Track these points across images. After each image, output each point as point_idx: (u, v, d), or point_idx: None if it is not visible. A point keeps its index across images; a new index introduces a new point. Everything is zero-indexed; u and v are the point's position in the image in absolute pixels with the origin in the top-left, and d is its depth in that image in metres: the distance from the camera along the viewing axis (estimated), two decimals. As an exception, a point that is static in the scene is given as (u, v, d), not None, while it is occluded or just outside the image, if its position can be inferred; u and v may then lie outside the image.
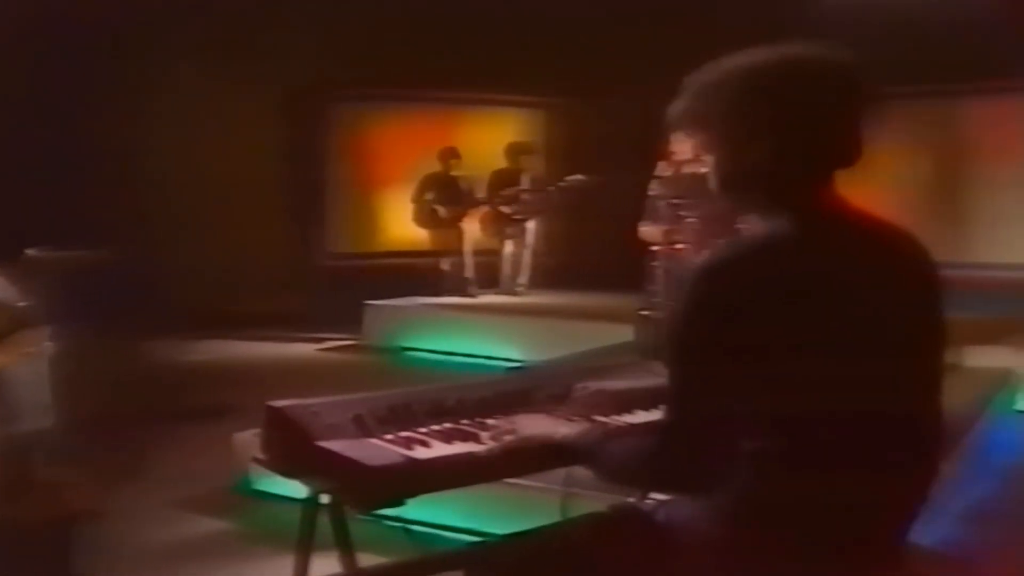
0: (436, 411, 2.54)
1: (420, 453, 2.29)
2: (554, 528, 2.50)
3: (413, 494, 2.20)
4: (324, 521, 2.52)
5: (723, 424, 2.02)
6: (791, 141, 2.04)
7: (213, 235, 10.82)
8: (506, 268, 11.12)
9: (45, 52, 9.31)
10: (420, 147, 11.80)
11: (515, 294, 10.97)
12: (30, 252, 5.62)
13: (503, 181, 11.12)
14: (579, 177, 10.27)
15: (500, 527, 3.96)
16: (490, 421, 2.51)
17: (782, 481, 1.99)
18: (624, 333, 7.52)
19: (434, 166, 11.27)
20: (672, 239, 6.61)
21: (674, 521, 2.23)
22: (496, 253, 11.17)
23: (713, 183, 2.17)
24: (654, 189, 6.90)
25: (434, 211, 11.12)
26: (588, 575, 2.27)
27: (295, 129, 12.29)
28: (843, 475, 1.99)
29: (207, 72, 10.73)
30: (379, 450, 2.29)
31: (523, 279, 11.09)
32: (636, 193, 7.43)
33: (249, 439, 5.47)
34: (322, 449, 2.25)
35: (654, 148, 7.47)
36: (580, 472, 2.52)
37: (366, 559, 2.71)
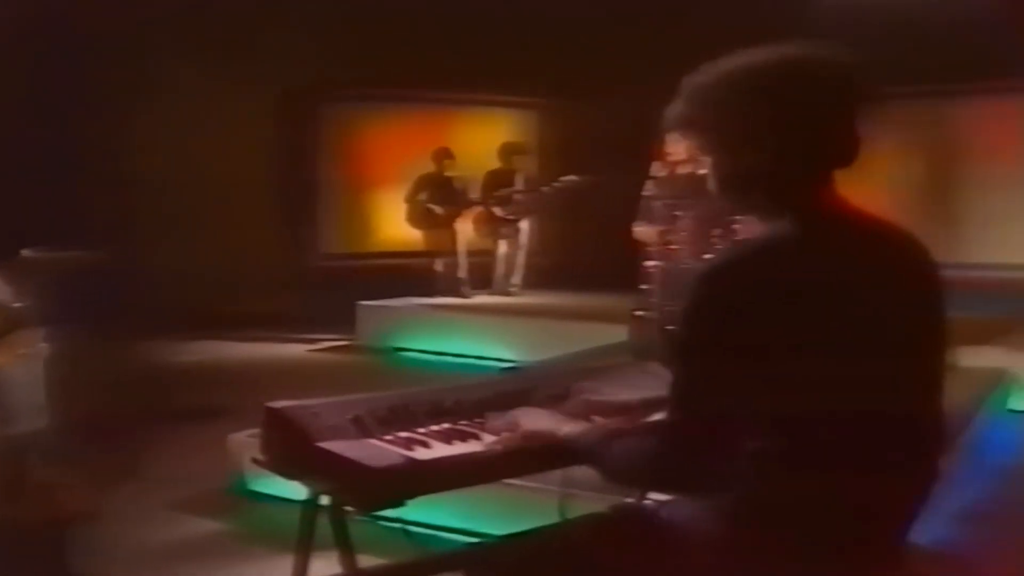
0: (435, 412, 2.54)
1: (420, 454, 2.29)
2: (554, 528, 2.50)
3: (414, 495, 2.20)
4: (322, 522, 2.52)
5: (725, 425, 2.02)
6: (790, 141, 2.04)
7: (207, 235, 10.80)
8: (500, 268, 11.13)
9: (41, 53, 9.30)
10: (414, 147, 11.80)
11: (508, 294, 10.98)
12: (25, 253, 5.60)
13: (497, 181, 11.13)
14: (572, 177, 10.30)
15: (498, 528, 3.97)
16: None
17: (783, 481, 1.99)
18: (617, 333, 7.52)
19: (428, 166, 11.27)
20: (667, 239, 6.61)
21: (674, 521, 2.23)
22: (490, 253, 11.18)
23: (712, 184, 2.17)
24: (649, 189, 6.91)
25: (428, 211, 11.12)
26: (588, 575, 2.26)
27: (289, 129, 12.28)
28: (844, 475, 1.99)
29: (201, 73, 10.72)
30: (379, 451, 2.28)
31: (516, 279, 11.10)
32: (630, 193, 7.43)
33: (244, 440, 5.47)
34: (322, 450, 2.25)
35: (648, 148, 7.47)
36: (578, 472, 2.52)
37: (365, 560, 2.71)
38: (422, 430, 2.44)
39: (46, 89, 9.28)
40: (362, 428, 2.38)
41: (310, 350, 10.14)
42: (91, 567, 4.25)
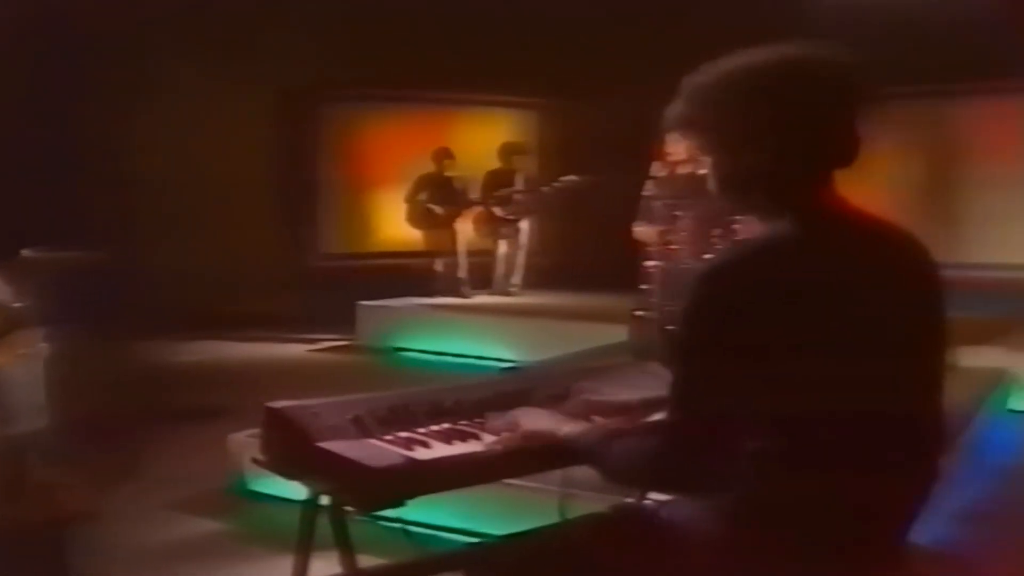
0: (435, 412, 2.54)
1: (420, 454, 2.29)
2: (554, 529, 2.50)
3: (414, 495, 2.20)
4: (321, 522, 2.52)
5: (725, 425, 2.02)
6: (790, 141, 2.04)
7: (207, 235, 10.80)
8: (499, 268, 11.13)
9: (41, 53, 9.30)
10: (413, 148, 11.79)
11: (508, 294, 10.98)
12: (25, 253, 5.61)
13: (497, 181, 11.13)
14: (572, 177, 10.30)
15: (498, 528, 3.97)
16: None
17: (783, 481, 2.00)
18: (617, 333, 7.52)
19: (428, 166, 11.27)
20: (667, 239, 6.61)
21: (674, 521, 2.24)
22: (490, 253, 11.18)
23: (712, 184, 2.17)
24: (649, 189, 6.90)
25: (428, 211, 11.12)
26: (588, 575, 2.26)
27: (289, 129, 12.28)
28: (844, 475, 1.99)
29: (201, 73, 10.72)
30: (380, 451, 2.28)
31: (516, 279, 11.11)
32: (629, 193, 7.43)
33: (244, 440, 5.47)
34: (323, 450, 2.25)
35: (648, 149, 7.47)
36: (578, 472, 2.52)
37: (364, 560, 2.71)
38: (422, 430, 2.44)
39: (45, 89, 9.28)
40: (362, 428, 2.38)
41: (310, 350, 10.14)
42: (91, 567, 4.25)
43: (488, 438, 2.42)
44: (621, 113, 11.27)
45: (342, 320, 10.20)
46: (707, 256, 6.13)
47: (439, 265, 11.01)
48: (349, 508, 2.36)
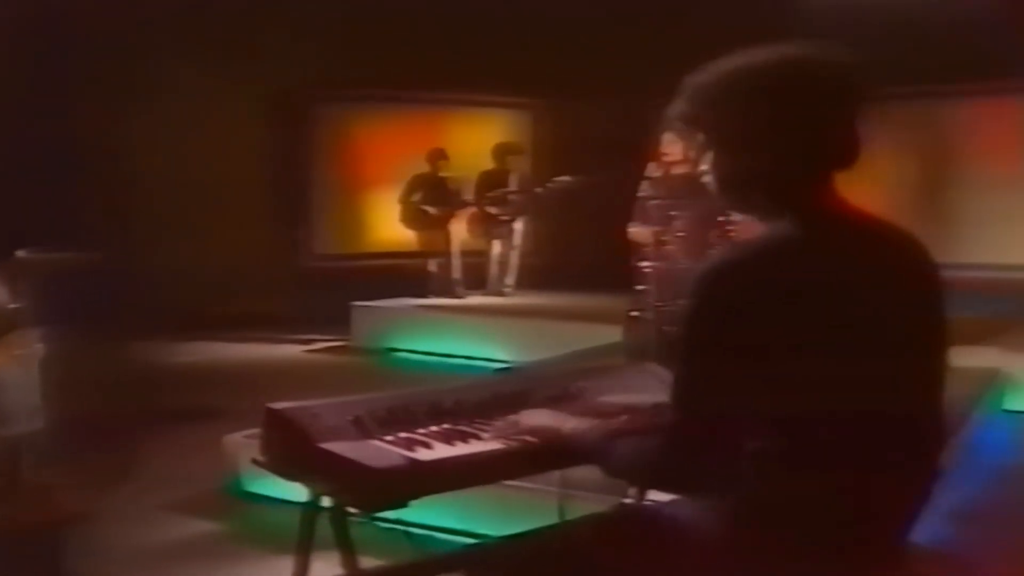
0: (434, 413, 2.54)
1: (423, 455, 2.29)
2: (554, 529, 2.50)
3: (416, 496, 2.20)
4: (319, 523, 2.52)
5: (726, 425, 2.02)
6: (790, 142, 2.04)
7: (200, 236, 10.79)
8: (493, 269, 11.14)
9: (36, 54, 9.29)
10: (407, 148, 11.79)
11: (502, 295, 10.99)
12: (20, 254, 5.59)
13: (491, 182, 11.14)
14: (566, 178, 10.29)
15: (497, 528, 3.97)
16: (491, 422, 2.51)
17: (783, 481, 2.00)
18: (611, 334, 7.52)
19: (422, 167, 11.26)
20: (662, 240, 6.61)
21: (675, 521, 2.24)
22: (484, 254, 11.19)
23: (713, 184, 2.17)
24: (644, 190, 6.90)
25: (422, 212, 11.12)
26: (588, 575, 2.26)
27: (283, 130, 12.26)
28: (844, 475, 1.99)
29: (195, 74, 10.70)
30: (382, 452, 2.28)
31: (510, 280, 11.11)
32: (624, 194, 7.43)
33: (240, 441, 5.47)
34: (325, 451, 2.25)
35: (641, 149, 7.47)
36: (576, 473, 2.52)
37: (363, 561, 2.70)
38: (422, 431, 2.44)
39: (41, 90, 9.27)
40: (362, 429, 2.38)
41: (305, 351, 10.13)
42: (86, 568, 4.25)
43: (489, 439, 2.42)
44: (615, 114, 11.30)
45: (336, 321, 10.20)
46: (703, 257, 6.17)
47: (433, 266, 11.01)
48: (351, 509, 2.35)
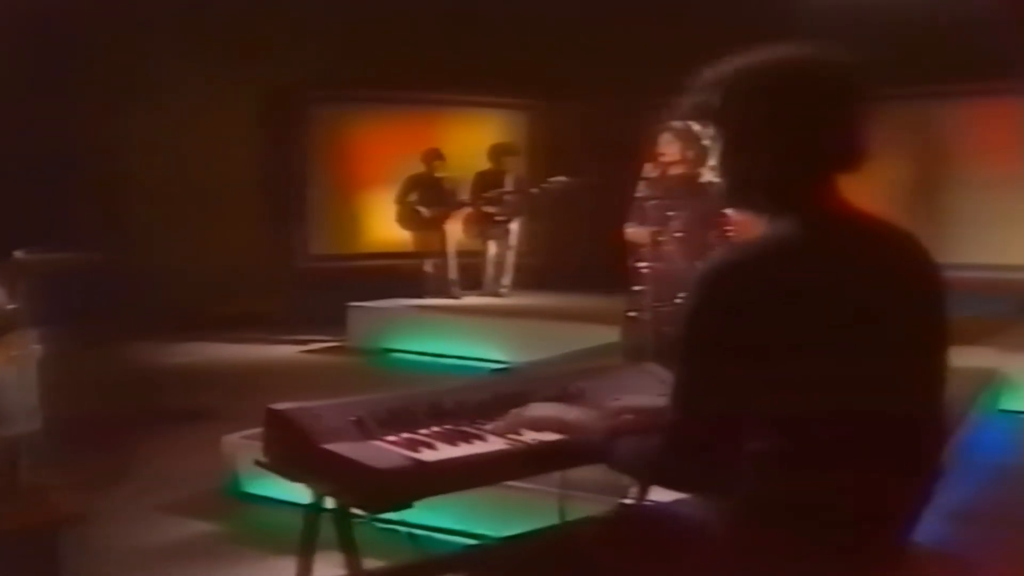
0: (435, 413, 2.54)
1: (427, 455, 2.29)
2: (555, 530, 2.50)
3: (421, 496, 2.20)
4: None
5: (727, 425, 2.02)
6: (791, 142, 2.05)
7: (197, 237, 10.77)
8: (489, 269, 11.12)
9: (33, 54, 9.28)
10: (403, 148, 11.77)
11: (498, 295, 10.98)
12: (17, 254, 5.59)
13: (486, 182, 11.13)
14: (562, 178, 10.29)
15: (496, 529, 3.98)
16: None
17: (785, 482, 2.00)
18: (607, 334, 7.53)
19: (418, 167, 11.25)
20: (659, 240, 6.61)
21: (676, 522, 2.24)
22: (479, 254, 11.17)
23: (719, 180, 2.17)
24: (641, 190, 6.90)
25: (417, 212, 11.11)
26: (590, 576, 2.27)
27: (278, 130, 12.24)
28: (846, 475, 1.99)
29: (190, 74, 10.68)
30: (386, 453, 2.28)
31: (506, 280, 11.10)
32: (619, 194, 7.43)
33: (238, 441, 5.47)
34: (328, 452, 2.25)
35: (637, 149, 7.47)
36: (577, 474, 2.53)
37: (363, 562, 2.70)
38: (424, 431, 2.44)
39: (39, 90, 9.26)
40: (364, 430, 2.38)
41: (301, 351, 10.12)
42: (84, 569, 4.23)
43: (492, 439, 2.42)
44: (611, 114, 11.29)
45: (332, 321, 10.19)
46: (700, 257, 6.17)
47: (429, 266, 11.01)
48: (355, 510, 2.35)
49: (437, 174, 11.18)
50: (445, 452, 2.33)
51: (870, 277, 2.03)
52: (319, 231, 12.72)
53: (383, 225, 11.92)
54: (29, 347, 5.40)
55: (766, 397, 1.97)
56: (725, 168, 2.15)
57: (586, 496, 2.93)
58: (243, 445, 5.39)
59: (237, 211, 11.51)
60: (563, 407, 2.50)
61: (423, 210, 11.06)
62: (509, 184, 11.08)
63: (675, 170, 6.69)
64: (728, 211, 6.16)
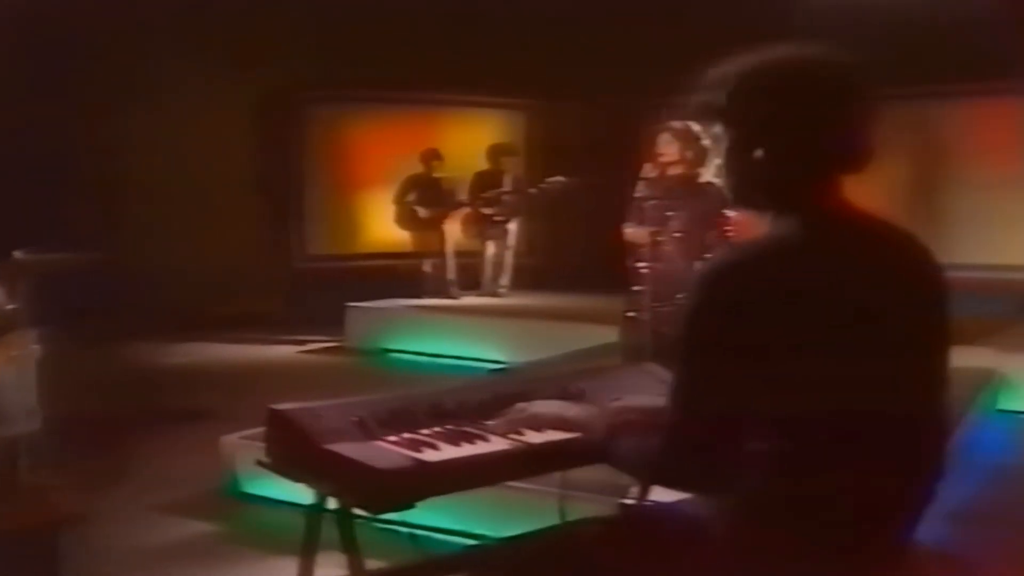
0: (436, 414, 2.54)
1: (429, 455, 2.29)
2: (556, 531, 2.50)
3: (424, 497, 2.20)
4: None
5: (727, 425, 2.02)
6: (796, 142, 2.05)
7: (195, 237, 10.77)
8: (487, 270, 11.12)
9: (31, 55, 9.28)
10: (401, 149, 11.77)
11: (497, 295, 10.98)
12: (17, 255, 5.59)
13: (485, 183, 11.13)
14: (560, 178, 10.29)
15: (496, 529, 3.98)
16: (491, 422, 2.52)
17: (786, 482, 2.00)
18: (605, 334, 7.53)
19: (416, 167, 11.25)
20: (658, 240, 6.61)
21: (677, 522, 2.24)
22: (478, 255, 11.17)
23: (723, 179, 2.18)
24: (640, 191, 6.90)
25: (416, 212, 11.11)
26: (591, 576, 2.27)
27: (276, 131, 12.25)
28: (847, 476, 1.99)
29: (188, 74, 10.67)
30: (388, 453, 2.28)
31: (504, 280, 11.10)
32: (617, 194, 7.43)
33: (236, 441, 5.47)
34: (331, 452, 2.25)
35: (635, 149, 7.47)
36: (577, 474, 2.53)
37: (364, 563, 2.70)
38: (425, 432, 2.44)
39: (36, 91, 9.26)
40: (366, 430, 2.38)
41: (300, 351, 10.11)
42: (83, 569, 4.23)
43: (494, 439, 2.42)
44: (609, 114, 11.30)
45: (330, 321, 10.18)
46: (699, 257, 6.18)
47: (427, 266, 11.00)
48: (358, 511, 2.35)
49: (435, 174, 11.18)
50: (447, 452, 2.33)
51: (871, 277, 2.03)
52: (317, 231, 12.72)
53: (381, 225, 11.92)
54: (28, 347, 5.41)
55: (766, 397, 1.97)
56: (729, 167, 2.15)
57: (586, 496, 2.93)
58: (242, 445, 5.39)
59: (235, 211, 11.51)
60: (564, 404, 2.51)
61: (421, 210, 11.06)
62: (507, 184, 11.08)
63: (674, 170, 6.69)
64: (728, 211, 6.22)
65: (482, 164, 11.35)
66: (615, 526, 2.37)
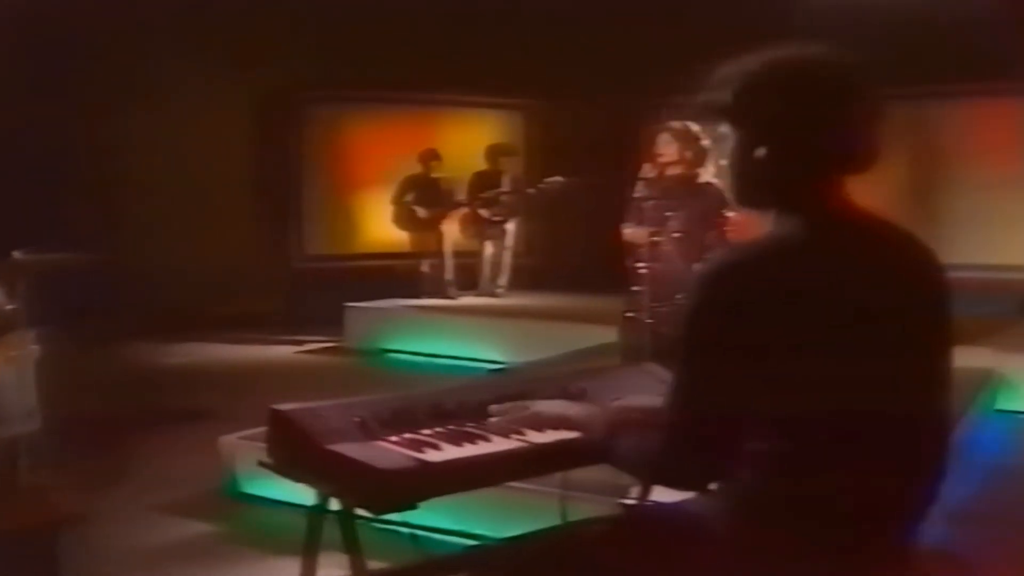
0: (438, 414, 2.54)
1: (432, 456, 2.29)
2: (558, 531, 2.50)
3: (426, 497, 2.20)
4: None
5: (728, 425, 2.03)
6: (801, 142, 2.05)
7: (193, 237, 10.77)
8: (486, 270, 11.13)
9: (30, 55, 9.27)
10: (400, 149, 11.77)
11: (495, 296, 10.99)
12: (15, 254, 5.59)
13: (483, 183, 11.12)
14: (558, 179, 10.29)
15: (497, 530, 3.98)
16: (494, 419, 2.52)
17: (787, 482, 2.00)
18: (603, 334, 7.54)
19: (414, 168, 11.25)
20: (657, 241, 6.61)
21: (679, 522, 2.24)
22: (476, 255, 11.18)
23: (728, 178, 2.18)
24: (639, 191, 6.90)
25: (414, 213, 11.11)
26: (593, 576, 2.27)
27: (275, 131, 12.25)
28: (848, 476, 1.99)
29: (186, 74, 10.67)
30: (391, 453, 2.28)
31: (503, 281, 11.11)
32: (616, 195, 7.43)
33: (235, 442, 5.47)
34: (333, 453, 2.25)
35: (634, 150, 7.47)
36: (578, 474, 2.53)
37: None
38: (427, 432, 2.44)
39: (35, 91, 9.25)
40: (367, 430, 2.38)
41: (298, 351, 10.12)
42: (83, 569, 4.23)
43: (496, 439, 2.42)
44: (608, 114, 11.29)
45: (328, 321, 10.19)
46: (698, 258, 6.18)
47: (425, 266, 11.00)
48: (360, 511, 2.35)
49: (434, 174, 11.18)
50: (449, 452, 2.33)
51: (872, 278, 2.03)
52: (316, 231, 12.72)
53: (380, 225, 11.92)
54: (27, 347, 5.41)
55: (767, 397, 1.98)
56: (734, 166, 2.15)
57: (587, 497, 2.94)
58: (241, 445, 5.39)
59: (234, 211, 11.52)
60: (566, 403, 2.51)
61: (420, 210, 11.06)
62: (506, 184, 11.08)
63: (673, 170, 6.69)
64: (727, 212, 6.23)
65: (480, 164, 11.35)
66: (616, 526, 2.37)
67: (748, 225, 2.19)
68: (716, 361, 2.00)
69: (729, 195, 2.23)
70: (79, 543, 4.20)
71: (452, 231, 11.03)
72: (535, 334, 8.92)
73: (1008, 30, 8.95)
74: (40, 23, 9.22)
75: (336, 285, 10.91)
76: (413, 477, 2.19)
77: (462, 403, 2.59)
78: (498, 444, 2.40)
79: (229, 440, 5.51)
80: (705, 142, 6.42)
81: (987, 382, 7.26)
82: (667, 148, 6.67)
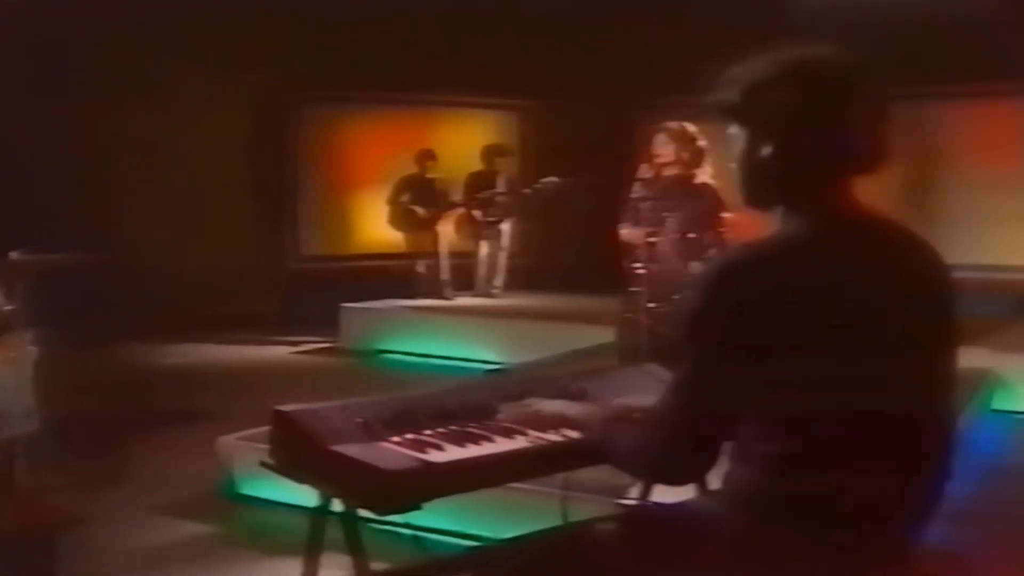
0: (439, 415, 2.54)
1: (435, 457, 2.29)
2: (559, 531, 2.51)
3: (430, 498, 2.20)
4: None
5: (731, 424, 2.03)
6: (809, 142, 2.05)
7: (189, 238, 10.76)
8: (481, 270, 11.14)
9: (27, 55, 9.26)
10: (395, 149, 11.76)
11: (491, 296, 10.99)
12: (13, 255, 5.58)
13: (479, 183, 11.11)
14: (554, 179, 10.29)
15: (497, 530, 3.97)
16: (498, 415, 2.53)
17: (789, 481, 2.01)
18: (600, 335, 7.53)
19: (410, 168, 11.23)
20: (654, 241, 6.61)
21: (680, 522, 2.25)
22: (471, 255, 11.18)
23: (736, 178, 2.18)
24: (636, 191, 6.90)
25: (409, 213, 11.10)
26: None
27: (270, 131, 12.23)
28: (850, 476, 2.00)
29: (183, 74, 10.66)
30: (394, 454, 2.29)
31: (498, 281, 11.11)
32: (611, 195, 7.43)
33: (233, 443, 5.46)
34: (336, 454, 2.25)
35: (631, 150, 7.47)
36: (579, 475, 2.53)
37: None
38: (429, 432, 2.44)
39: (33, 91, 9.24)
40: (370, 431, 2.38)
41: (294, 352, 10.12)
42: (80, 571, 4.23)
43: (498, 440, 2.42)
44: (605, 115, 11.29)
45: (324, 322, 10.18)
46: (696, 258, 6.18)
47: (421, 267, 10.99)
48: (364, 512, 2.35)
49: (429, 175, 11.17)
50: (453, 453, 2.33)
51: (877, 278, 2.04)
52: (312, 232, 12.71)
53: (375, 226, 11.89)
54: (26, 348, 5.40)
55: (770, 396, 1.98)
56: (742, 167, 2.15)
57: (588, 497, 2.93)
58: (238, 446, 5.38)
59: (230, 212, 11.49)
60: (567, 403, 2.52)
61: (415, 211, 11.05)
62: (501, 185, 11.06)
63: (670, 171, 6.68)
64: (724, 212, 6.23)
65: (476, 165, 11.34)
66: (616, 526, 2.37)
67: (745, 225, 2.19)
68: (719, 360, 2.00)
69: (736, 195, 2.23)
70: (77, 544, 4.20)
71: (448, 231, 11.03)
72: (531, 335, 8.92)
73: (1008, 30, 8.96)
74: (40, 23, 9.21)
75: (332, 285, 10.91)
76: (417, 478, 2.20)
77: (464, 403, 2.60)
78: (501, 444, 2.40)
79: (227, 441, 5.50)
80: (702, 143, 6.43)
81: (984, 382, 7.26)
82: (664, 149, 6.67)
